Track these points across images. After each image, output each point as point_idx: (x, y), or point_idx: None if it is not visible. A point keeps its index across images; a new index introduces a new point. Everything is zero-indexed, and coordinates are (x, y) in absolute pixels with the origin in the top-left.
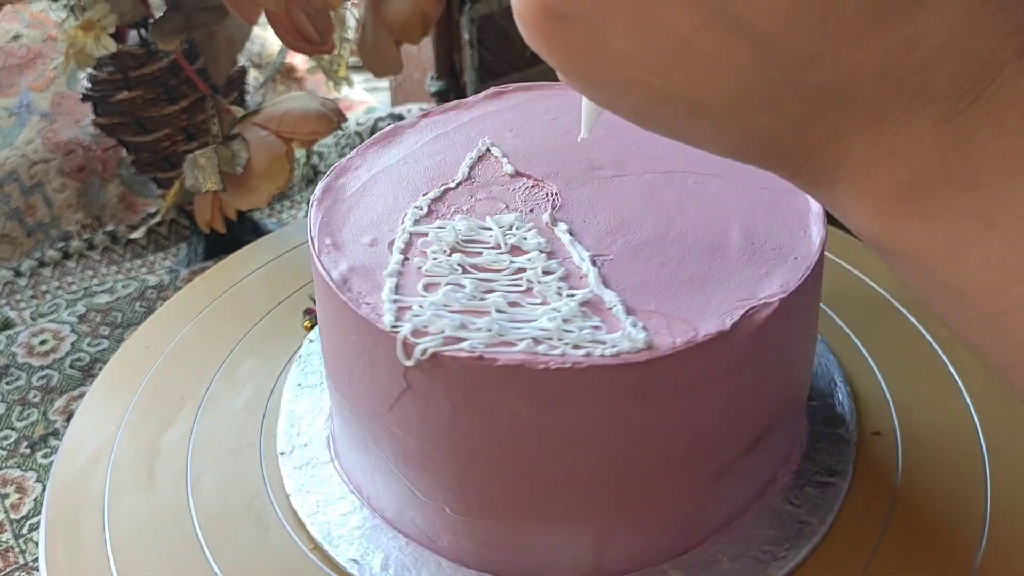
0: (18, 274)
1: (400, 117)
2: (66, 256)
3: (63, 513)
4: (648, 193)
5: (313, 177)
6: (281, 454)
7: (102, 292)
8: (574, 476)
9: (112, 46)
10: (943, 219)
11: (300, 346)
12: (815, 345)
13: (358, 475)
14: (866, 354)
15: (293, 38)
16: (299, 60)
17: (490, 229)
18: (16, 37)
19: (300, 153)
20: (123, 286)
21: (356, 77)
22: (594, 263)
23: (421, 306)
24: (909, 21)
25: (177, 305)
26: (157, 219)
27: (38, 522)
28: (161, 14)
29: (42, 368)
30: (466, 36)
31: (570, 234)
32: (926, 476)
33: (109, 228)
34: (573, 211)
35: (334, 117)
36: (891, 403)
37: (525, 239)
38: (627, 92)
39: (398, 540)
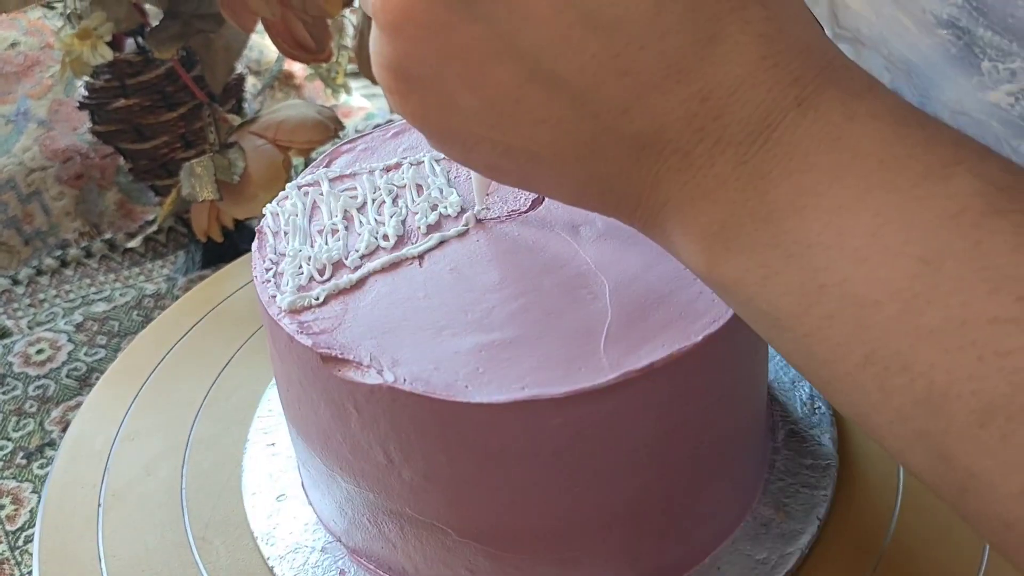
0: (15, 282)
1: None
2: (64, 264)
3: (58, 526)
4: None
5: None
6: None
7: (99, 300)
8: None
9: (109, 54)
10: (751, 253)
11: None
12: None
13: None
14: None
15: (290, 46)
16: (297, 67)
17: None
18: (13, 45)
19: (298, 161)
20: (120, 294)
21: (354, 83)
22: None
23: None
24: (700, 75)
25: (174, 316)
26: (154, 228)
27: (32, 534)
28: (158, 22)
29: (39, 378)
30: None
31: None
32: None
33: (107, 236)
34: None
35: (331, 125)
36: None
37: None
38: (475, 146)
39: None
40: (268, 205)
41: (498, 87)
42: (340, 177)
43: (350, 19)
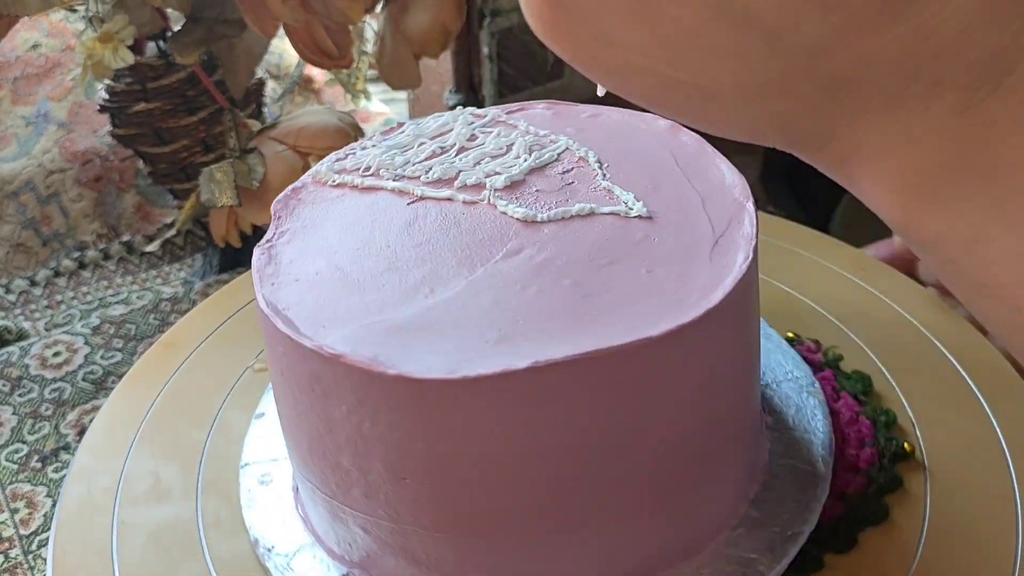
0: (33, 283)
1: None
2: (81, 266)
3: (72, 534)
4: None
5: None
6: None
7: (117, 303)
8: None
9: (130, 58)
10: (961, 210)
11: None
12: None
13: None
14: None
15: (312, 52)
16: (317, 72)
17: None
18: (35, 46)
19: None
20: (138, 297)
21: (373, 88)
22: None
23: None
24: (921, 10)
25: (192, 322)
26: (172, 232)
27: (47, 538)
28: (180, 27)
29: (55, 380)
30: (485, 50)
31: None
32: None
33: (125, 238)
34: None
35: (351, 132)
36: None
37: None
38: (632, 78)
39: None
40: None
41: (676, 24)
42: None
43: (371, 25)
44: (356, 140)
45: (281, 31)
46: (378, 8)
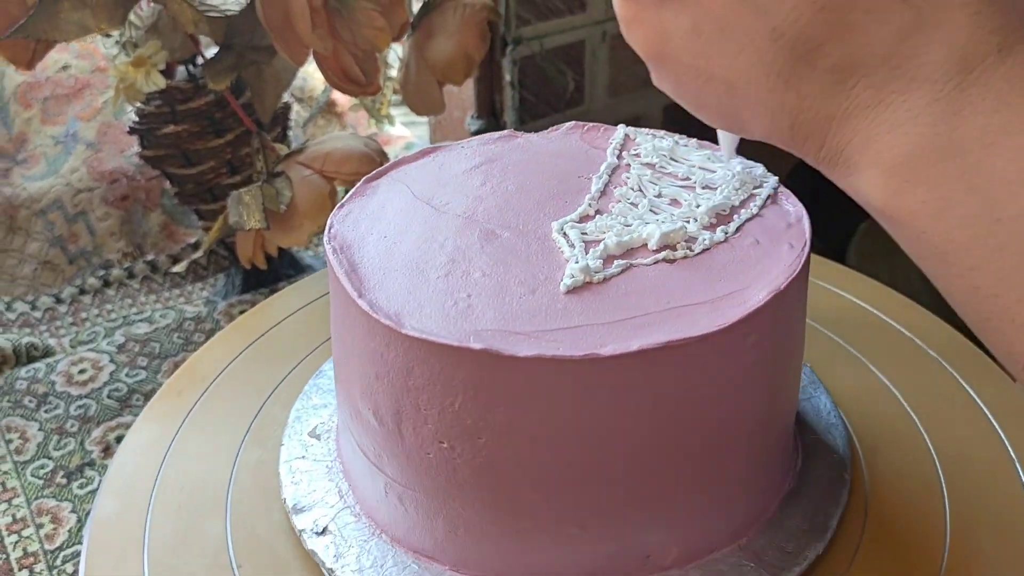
0: (59, 301)
1: None
2: (106, 284)
3: (102, 549)
4: None
5: None
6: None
7: (140, 321)
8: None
9: (161, 82)
10: (932, 185)
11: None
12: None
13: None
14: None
15: (340, 80)
16: (341, 96)
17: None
18: (65, 67)
19: (341, 191)
20: (161, 315)
21: (394, 111)
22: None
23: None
24: (900, 16)
25: (220, 342)
26: (199, 254)
27: (71, 553)
28: (212, 53)
29: (80, 397)
30: (508, 77)
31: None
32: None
33: (149, 257)
34: None
35: (377, 158)
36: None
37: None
38: (683, 77)
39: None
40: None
41: (709, 13)
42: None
43: (396, 51)
44: (381, 165)
45: (310, 58)
46: (404, 36)
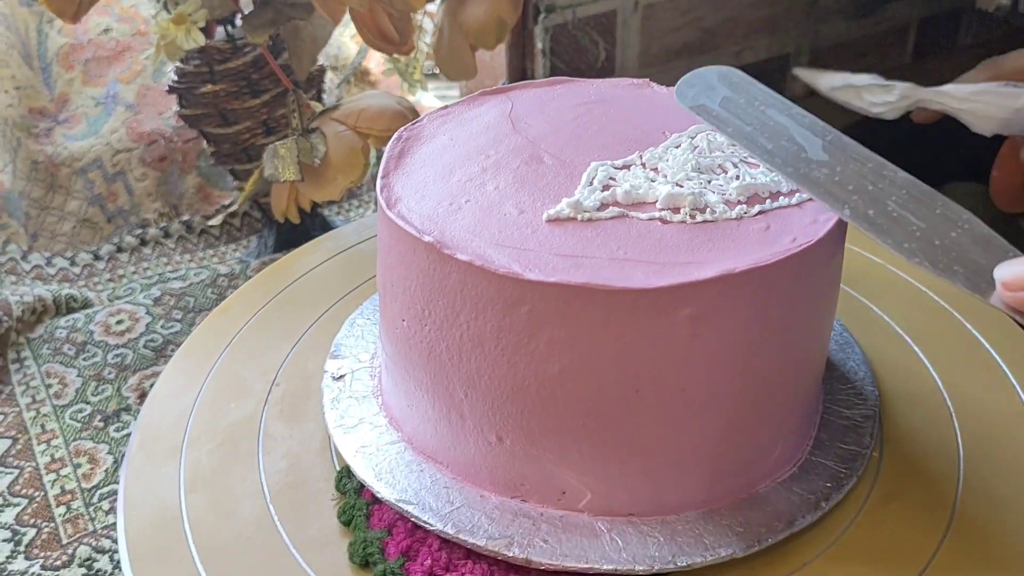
0: (97, 257)
1: None
2: (143, 243)
3: (140, 498)
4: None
5: None
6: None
7: (175, 279)
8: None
9: (201, 39)
10: None
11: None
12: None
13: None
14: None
15: (375, 37)
16: (374, 64)
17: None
18: (106, 31)
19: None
20: (195, 273)
21: (429, 84)
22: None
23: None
24: None
25: (248, 292)
26: (234, 208)
27: (108, 491)
28: (250, 9)
29: (117, 347)
30: (539, 45)
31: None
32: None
33: (185, 217)
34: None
35: (409, 115)
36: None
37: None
38: None
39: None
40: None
41: None
42: None
43: (428, 18)
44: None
45: (347, 18)
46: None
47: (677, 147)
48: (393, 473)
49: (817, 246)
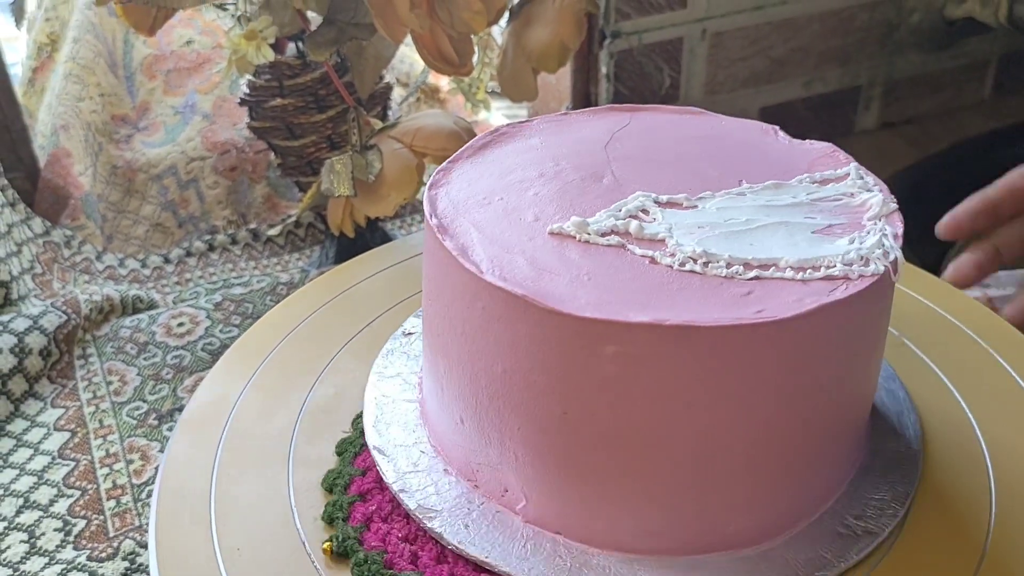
0: (167, 261)
1: None
2: (211, 248)
3: (173, 489)
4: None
5: None
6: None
7: (238, 284)
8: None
9: (270, 55)
10: None
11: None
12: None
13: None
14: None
15: (435, 58)
16: (443, 82)
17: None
18: (189, 42)
19: (429, 169)
20: (257, 280)
21: (495, 103)
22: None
23: None
24: None
25: (300, 299)
26: (294, 219)
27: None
28: (316, 28)
29: (177, 348)
30: (604, 69)
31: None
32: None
33: (252, 226)
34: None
35: (465, 136)
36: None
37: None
38: None
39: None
40: None
41: None
42: None
43: (495, 38)
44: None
45: (409, 39)
46: (503, 21)
47: (740, 195)
48: (389, 425)
49: (784, 323)
